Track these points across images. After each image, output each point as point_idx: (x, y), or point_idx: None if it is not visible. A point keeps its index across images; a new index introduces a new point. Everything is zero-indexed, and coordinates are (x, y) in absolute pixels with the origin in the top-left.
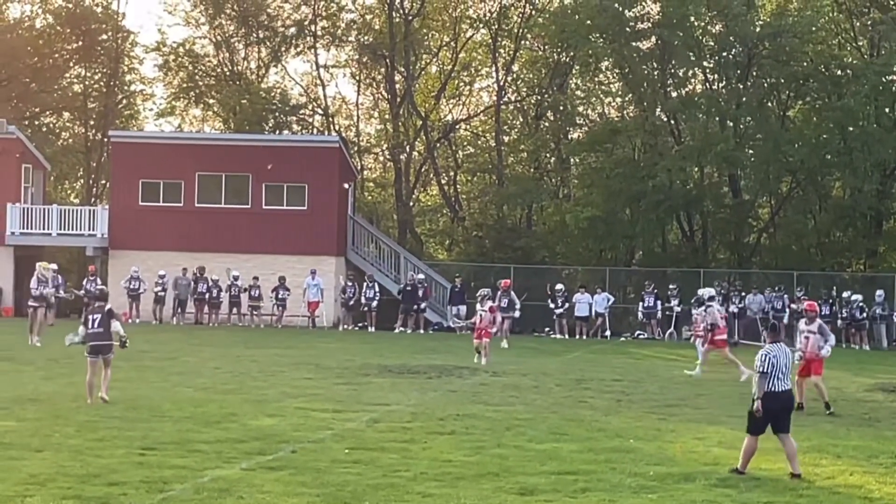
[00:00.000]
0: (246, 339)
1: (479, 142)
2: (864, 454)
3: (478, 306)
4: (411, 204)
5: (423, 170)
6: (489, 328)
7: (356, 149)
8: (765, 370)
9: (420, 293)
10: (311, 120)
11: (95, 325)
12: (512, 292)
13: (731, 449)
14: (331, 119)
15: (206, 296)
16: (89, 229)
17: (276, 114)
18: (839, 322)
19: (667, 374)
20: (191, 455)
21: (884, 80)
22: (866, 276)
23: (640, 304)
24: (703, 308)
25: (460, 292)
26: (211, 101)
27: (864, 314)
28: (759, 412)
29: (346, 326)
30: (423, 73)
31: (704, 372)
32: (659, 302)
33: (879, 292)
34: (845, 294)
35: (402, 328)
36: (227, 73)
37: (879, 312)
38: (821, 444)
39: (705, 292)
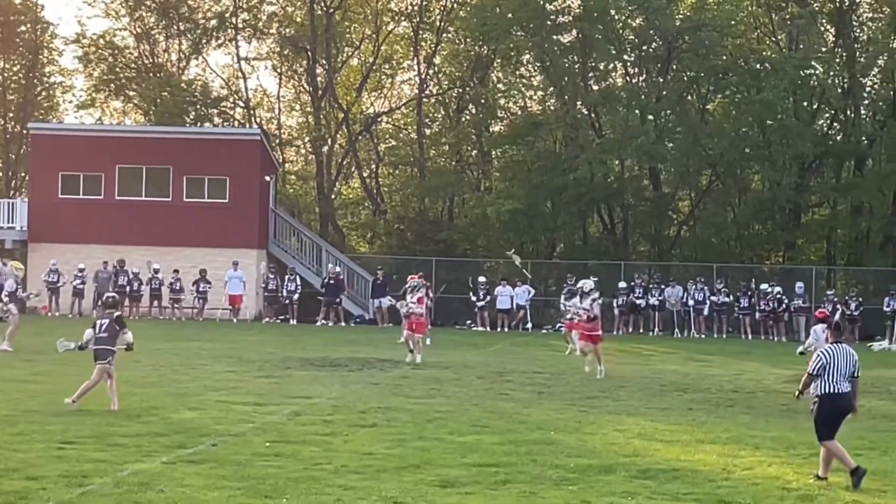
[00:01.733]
0: (167, 332)
1: (401, 135)
2: (783, 445)
3: (407, 298)
4: (333, 197)
5: (344, 163)
6: (422, 321)
7: (277, 141)
8: (812, 371)
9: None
10: (232, 112)
11: (101, 331)
12: (424, 287)
13: (650, 440)
14: (252, 112)
15: (127, 289)
16: (8, 222)
17: (198, 106)
18: (757, 314)
19: (588, 365)
20: (110, 449)
21: (802, 73)
22: (785, 269)
23: (562, 296)
24: (591, 300)
25: (382, 285)
26: (131, 93)
27: (783, 306)
28: (812, 412)
29: (268, 319)
30: (344, 65)
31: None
32: None
33: (799, 284)
34: (763, 286)
35: (324, 321)
36: (148, 66)
37: (799, 304)
38: (739, 435)
39: (586, 284)
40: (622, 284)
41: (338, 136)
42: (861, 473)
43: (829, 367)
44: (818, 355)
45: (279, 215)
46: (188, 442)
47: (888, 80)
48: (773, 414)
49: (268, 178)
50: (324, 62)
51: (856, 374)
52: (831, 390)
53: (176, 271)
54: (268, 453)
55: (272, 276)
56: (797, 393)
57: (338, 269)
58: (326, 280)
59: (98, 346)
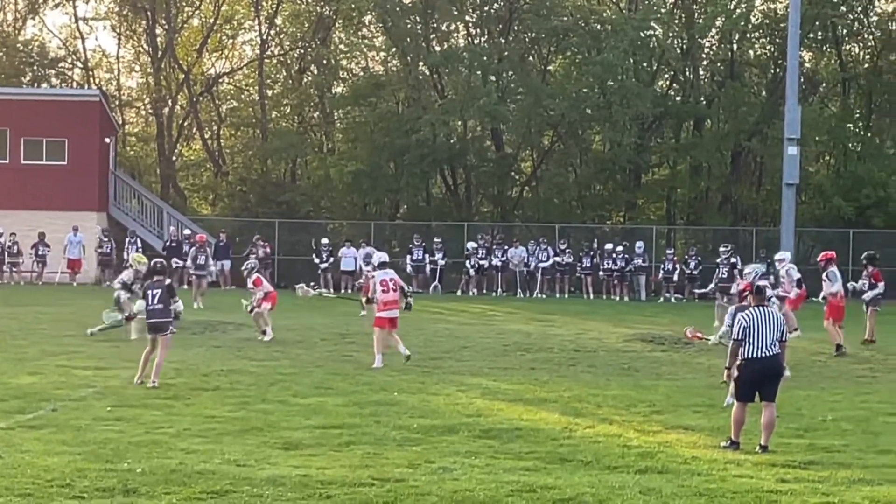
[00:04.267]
0: (5, 296)
1: (243, 96)
2: (623, 403)
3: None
4: (174, 158)
5: (185, 124)
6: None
7: (117, 103)
8: (736, 337)
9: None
10: (70, 73)
11: (155, 302)
12: (208, 248)
13: (493, 400)
14: (91, 72)
15: None
16: None
17: (35, 67)
18: (601, 273)
19: (432, 327)
20: None
21: (641, 35)
22: (626, 229)
23: (408, 257)
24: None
25: (225, 247)
26: None
27: (629, 266)
28: (726, 381)
29: (108, 283)
30: (184, 25)
31: None
32: (426, 255)
33: (639, 244)
34: (608, 245)
35: None
36: None
37: (639, 264)
38: (581, 394)
39: (375, 255)
40: (471, 245)
41: (178, 97)
42: (733, 448)
43: (750, 331)
44: (739, 319)
45: (119, 177)
46: (27, 407)
47: (726, 41)
48: (614, 373)
49: (107, 140)
50: (163, 22)
51: (783, 339)
52: (750, 354)
53: (13, 234)
54: (109, 418)
55: (105, 239)
56: (725, 370)
57: (187, 231)
58: (168, 242)
59: (159, 320)
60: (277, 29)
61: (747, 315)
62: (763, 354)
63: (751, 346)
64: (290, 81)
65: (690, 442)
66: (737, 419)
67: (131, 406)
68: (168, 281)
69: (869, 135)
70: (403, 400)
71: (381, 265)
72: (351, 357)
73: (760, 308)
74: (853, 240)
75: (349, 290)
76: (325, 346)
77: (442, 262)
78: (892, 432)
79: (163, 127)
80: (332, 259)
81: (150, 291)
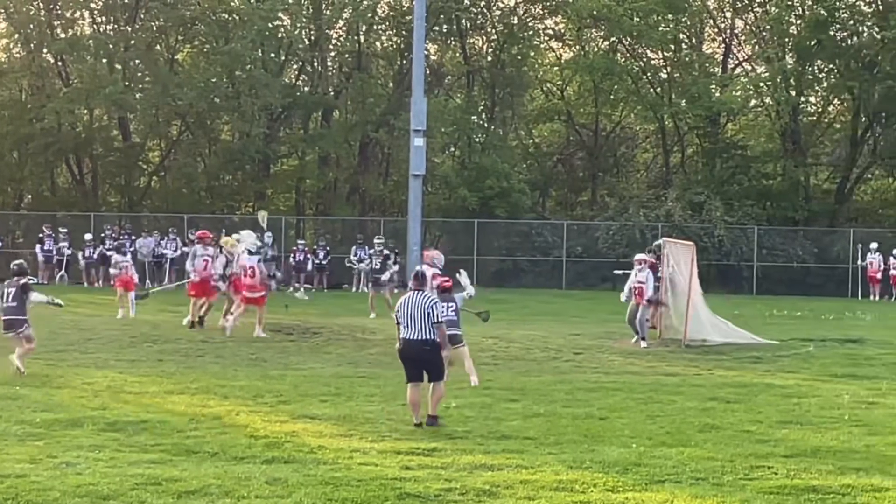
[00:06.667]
0: None
1: None
2: (251, 394)
3: None
4: None
5: None
6: None
7: None
8: (395, 320)
9: None
10: None
11: (9, 300)
12: None
13: (119, 392)
14: None
15: None
16: None
17: None
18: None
19: (57, 319)
20: None
21: (269, 25)
22: (255, 219)
23: (38, 247)
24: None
25: None
26: None
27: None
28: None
29: None
30: None
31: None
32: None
33: (269, 234)
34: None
35: None
36: None
37: (269, 254)
38: (209, 385)
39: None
40: (88, 236)
41: None
42: (423, 424)
43: (400, 314)
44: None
45: None
46: None
47: (353, 33)
48: (242, 363)
49: None
50: None
51: (436, 320)
52: (400, 335)
53: None
54: None
55: None
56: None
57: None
58: None
59: (10, 317)
60: None
61: (401, 299)
62: (408, 336)
63: (403, 328)
64: None
65: (317, 431)
66: (409, 401)
67: None
68: (24, 281)
69: (492, 127)
70: (26, 394)
71: (250, 252)
72: None
73: (415, 293)
74: (478, 229)
75: None
76: None
77: (68, 253)
78: (512, 418)
79: None
80: None
81: (6, 290)
